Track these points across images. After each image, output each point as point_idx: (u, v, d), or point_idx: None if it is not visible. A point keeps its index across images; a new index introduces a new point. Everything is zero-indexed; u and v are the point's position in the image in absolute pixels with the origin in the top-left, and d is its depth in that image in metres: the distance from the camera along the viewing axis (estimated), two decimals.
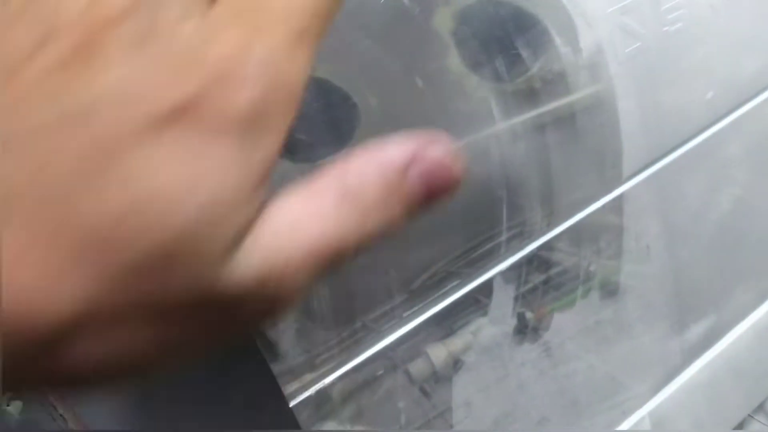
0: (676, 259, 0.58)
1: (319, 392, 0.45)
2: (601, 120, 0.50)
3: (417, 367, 0.52)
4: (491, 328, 0.54)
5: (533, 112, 0.47)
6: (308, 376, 0.44)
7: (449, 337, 0.52)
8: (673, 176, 0.55)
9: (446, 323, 0.51)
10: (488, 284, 0.51)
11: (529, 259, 0.52)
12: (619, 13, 0.49)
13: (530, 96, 0.47)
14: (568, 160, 0.50)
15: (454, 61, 0.43)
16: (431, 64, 0.43)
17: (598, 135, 0.50)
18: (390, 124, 0.42)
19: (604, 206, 0.52)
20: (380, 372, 0.48)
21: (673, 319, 0.60)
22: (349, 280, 0.43)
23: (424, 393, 0.53)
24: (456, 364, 0.52)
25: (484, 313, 0.52)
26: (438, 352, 0.52)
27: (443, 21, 0.43)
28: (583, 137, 0.50)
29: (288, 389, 0.43)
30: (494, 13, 0.45)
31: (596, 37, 0.48)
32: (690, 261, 0.59)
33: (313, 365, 0.44)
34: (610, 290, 0.56)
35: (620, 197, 0.53)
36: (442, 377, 0.52)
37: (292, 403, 0.43)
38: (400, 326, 0.48)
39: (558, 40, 0.47)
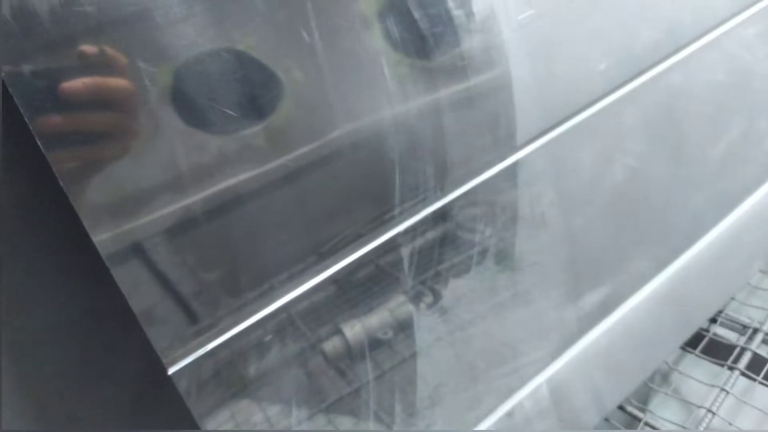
0: (571, 227, 0.59)
1: (200, 359, 0.44)
2: (493, 85, 0.50)
3: (332, 345, 0.52)
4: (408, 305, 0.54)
5: (426, 76, 0.47)
6: (191, 343, 0.43)
7: (365, 315, 0.52)
8: (567, 145, 0.56)
9: (364, 302, 0.51)
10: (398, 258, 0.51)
11: (425, 229, 0.53)
12: None
13: (423, 57, 0.47)
14: (460, 126, 0.50)
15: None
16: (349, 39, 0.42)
17: (490, 100, 0.50)
18: (310, 97, 0.41)
19: (498, 173, 0.53)
20: (268, 337, 0.47)
21: (569, 286, 0.61)
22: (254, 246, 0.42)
23: (340, 372, 0.52)
24: (371, 342, 0.52)
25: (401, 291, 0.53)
26: (354, 330, 0.52)
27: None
28: (476, 102, 0.50)
29: (168, 356, 0.42)
30: None
31: (489, 2, 0.48)
32: (585, 229, 0.60)
33: (197, 332, 0.43)
34: (505, 258, 0.57)
35: (515, 164, 0.54)
36: (356, 356, 0.51)
37: (171, 371, 0.42)
38: (295, 288, 0.47)
39: (451, 3, 0.47)
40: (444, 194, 0.52)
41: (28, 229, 0.40)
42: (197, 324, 0.42)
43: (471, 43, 0.48)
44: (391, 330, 0.54)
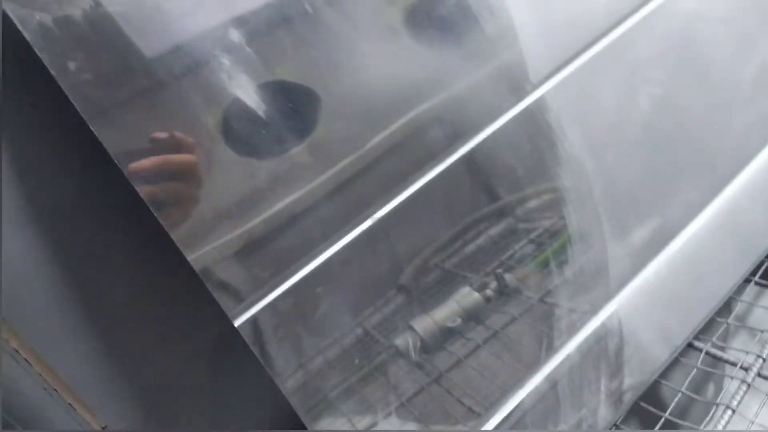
0: (603, 165, 0.59)
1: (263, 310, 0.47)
2: (495, 32, 0.52)
3: (404, 341, 0.54)
4: (473, 294, 0.56)
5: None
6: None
7: (434, 309, 0.54)
8: (583, 82, 0.57)
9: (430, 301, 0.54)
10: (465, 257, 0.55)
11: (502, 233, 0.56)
12: None
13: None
14: (469, 74, 0.52)
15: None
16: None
17: (495, 46, 0.52)
18: (346, 109, 0.47)
19: (517, 116, 0.54)
20: (320, 288, 0.50)
21: (612, 224, 0.61)
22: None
23: (417, 365, 0.54)
24: (443, 333, 0.54)
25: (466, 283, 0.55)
26: (424, 324, 0.54)
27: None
28: (480, 50, 0.52)
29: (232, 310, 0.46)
30: None
31: None
32: (618, 165, 0.60)
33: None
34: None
35: (533, 106, 0.55)
36: (431, 347, 0.54)
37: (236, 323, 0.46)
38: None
39: None
40: (460, 145, 0.53)
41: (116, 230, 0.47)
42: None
43: None
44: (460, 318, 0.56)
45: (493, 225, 0.56)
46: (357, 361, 0.51)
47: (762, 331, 0.65)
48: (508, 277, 0.57)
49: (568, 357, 0.59)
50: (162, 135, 0.41)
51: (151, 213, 0.41)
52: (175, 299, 0.57)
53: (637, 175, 0.63)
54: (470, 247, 0.56)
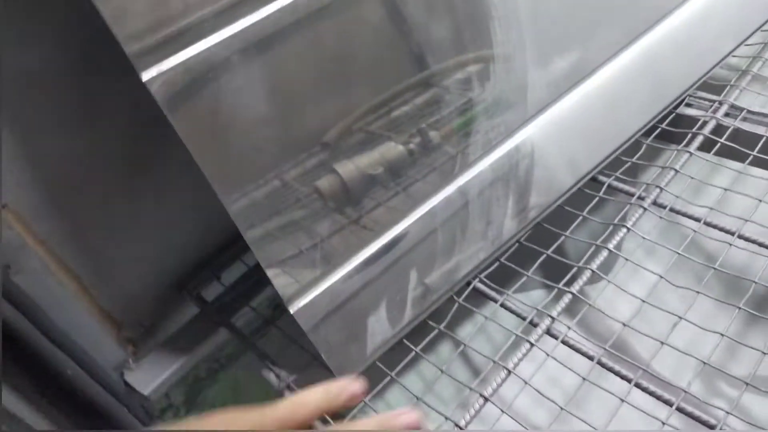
0: None
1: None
2: None
3: (327, 183, 0.54)
4: (398, 147, 0.56)
5: None
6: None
7: (356, 155, 0.54)
8: None
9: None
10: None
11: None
12: None
13: None
14: None
15: None
16: None
17: None
18: None
19: None
20: None
21: (534, 50, 0.62)
22: None
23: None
24: (364, 179, 0.54)
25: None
26: (347, 168, 0.54)
27: None
28: None
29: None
30: None
31: None
32: None
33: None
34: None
35: None
36: (352, 191, 0.53)
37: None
38: None
39: None
40: None
41: None
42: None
43: None
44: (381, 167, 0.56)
45: (420, 94, 0.56)
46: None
47: (663, 168, 0.69)
48: (432, 133, 0.58)
49: (481, 173, 0.61)
50: None
51: None
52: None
53: (565, 6, 0.64)
54: (396, 113, 0.56)
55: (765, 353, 0.51)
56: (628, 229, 0.63)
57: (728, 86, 0.76)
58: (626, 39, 0.71)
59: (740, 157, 0.68)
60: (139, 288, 0.67)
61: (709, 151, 0.70)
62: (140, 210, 0.63)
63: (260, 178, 0.49)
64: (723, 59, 0.78)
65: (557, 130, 0.66)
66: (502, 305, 0.60)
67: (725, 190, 0.65)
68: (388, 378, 0.56)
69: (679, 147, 0.70)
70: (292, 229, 0.52)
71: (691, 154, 0.69)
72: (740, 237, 0.60)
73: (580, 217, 0.65)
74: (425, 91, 0.57)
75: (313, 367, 0.56)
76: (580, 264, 0.61)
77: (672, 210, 0.64)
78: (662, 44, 0.73)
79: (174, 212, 0.66)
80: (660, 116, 0.74)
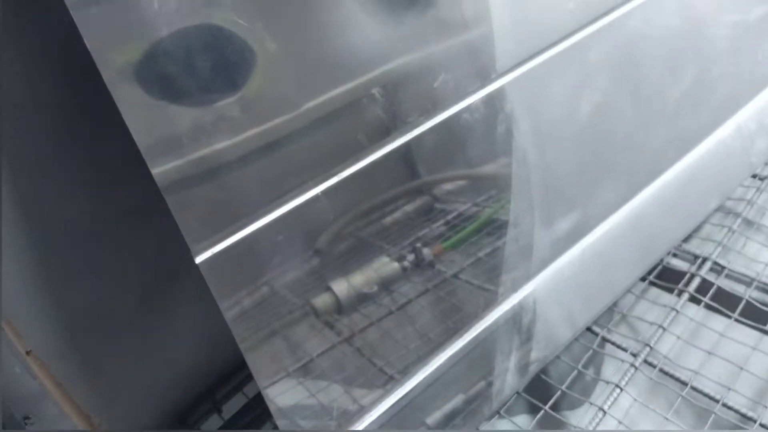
0: (545, 157, 0.64)
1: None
2: (471, 15, 0.55)
3: (322, 301, 0.56)
4: (392, 263, 0.59)
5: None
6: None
7: (351, 274, 0.56)
8: (541, 78, 0.61)
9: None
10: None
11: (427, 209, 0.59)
12: None
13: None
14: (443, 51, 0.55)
15: None
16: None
17: (470, 28, 0.55)
18: (286, 67, 0.47)
19: (480, 99, 0.58)
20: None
21: (543, 212, 0.67)
22: None
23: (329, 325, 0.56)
24: (359, 298, 0.56)
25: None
26: (341, 287, 0.56)
27: None
28: (454, 29, 0.55)
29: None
30: None
31: None
32: (556, 159, 0.66)
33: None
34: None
35: (496, 93, 0.59)
36: (346, 310, 0.56)
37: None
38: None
39: None
40: (429, 118, 0.56)
41: None
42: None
43: None
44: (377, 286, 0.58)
45: (411, 201, 0.59)
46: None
47: (651, 323, 0.74)
48: (425, 251, 0.61)
49: (488, 327, 0.65)
50: None
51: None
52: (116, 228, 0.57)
53: (570, 171, 0.69)
54: (387, 220, 0.59)
55: None
56: (621, 389, 0.67)
57: (714, 244, 0.82)
58: (621, 199, 0.76)
59: (725, 313, 0.73)
60: (144, 418, 0.67)
61: (698, 304, 0.75)
62: (151, 346, 0.65)
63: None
64: (708, 216, 0.85)
65: (557, 285, 0.70)
66: None
67: (709, 353, 0.70)
68: None
69: (665, 303, 0.75)
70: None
71: (677, 311, 0.74)
72: (724, 405, 0.64)
73: (575, 371, 0.69)
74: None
75: None
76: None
77: (661, 371, 0.69)
78: (652, 203, 0.79)
79: (181, 346, 0.68)
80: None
